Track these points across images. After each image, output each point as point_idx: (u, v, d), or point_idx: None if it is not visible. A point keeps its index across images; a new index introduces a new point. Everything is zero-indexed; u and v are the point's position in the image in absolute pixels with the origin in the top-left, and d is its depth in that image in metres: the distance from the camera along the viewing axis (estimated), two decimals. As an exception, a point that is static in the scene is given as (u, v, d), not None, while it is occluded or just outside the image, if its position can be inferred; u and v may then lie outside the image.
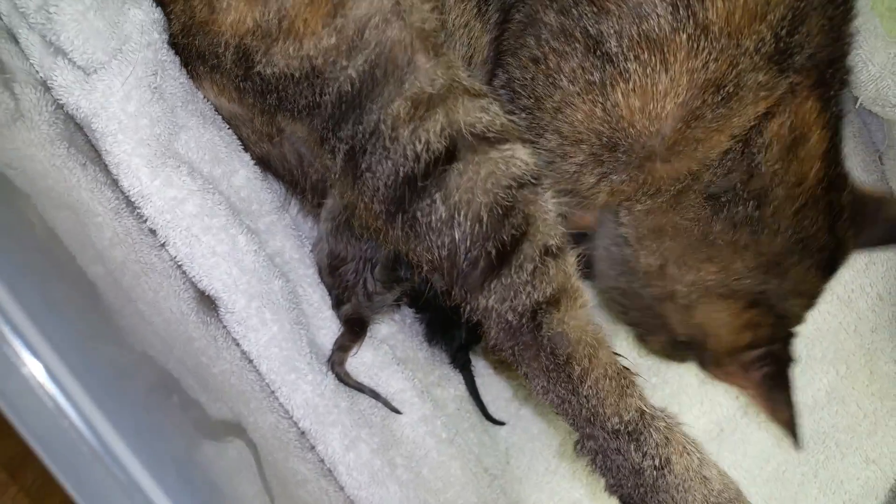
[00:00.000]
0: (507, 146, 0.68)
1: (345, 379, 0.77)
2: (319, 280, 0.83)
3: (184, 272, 0.73)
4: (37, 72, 0.71)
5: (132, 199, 0.71)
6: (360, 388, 0.78)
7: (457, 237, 0.65)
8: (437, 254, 0.66)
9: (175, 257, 0.72)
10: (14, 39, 0.72)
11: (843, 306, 1.01)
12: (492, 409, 0.94)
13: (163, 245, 0.72)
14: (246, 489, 0.72)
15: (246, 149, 0.82)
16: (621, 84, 0.66)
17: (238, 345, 0.74)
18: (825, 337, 1.02)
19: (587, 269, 0.84)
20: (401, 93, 0.66)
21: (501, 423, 0.96)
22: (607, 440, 0.66)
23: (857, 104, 0.94)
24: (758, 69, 0.64)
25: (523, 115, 0.73)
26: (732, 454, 1.02)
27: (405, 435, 0.80)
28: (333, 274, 0.80)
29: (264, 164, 0.84)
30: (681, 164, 0.69)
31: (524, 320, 0.66)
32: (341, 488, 0.75)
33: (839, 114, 0.71)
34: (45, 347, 0.53)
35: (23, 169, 0.67)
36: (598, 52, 0.66)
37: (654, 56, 0.64)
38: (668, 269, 0.75)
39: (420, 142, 0.66)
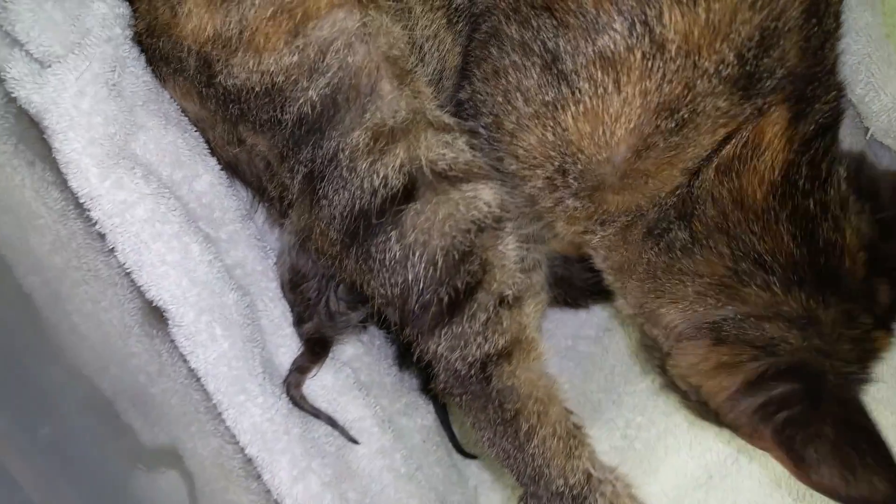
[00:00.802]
0: (469, 186, 0.66)
1: (300, 403, 0.73)
2: (282, 295, 0.78)
3: (132, 281, 0.69)
4: (-9, 65, 0.67)
5: (81, 201, 0.67)
6: (315, 413, 0.74)
7: (410, 278, 0.64)
8: (389, 291, 0.65)
9: (123, 264, 0.68)
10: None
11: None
12: (462, 442, 0.89)
13: (111, 251, 0.68)
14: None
15: (213, 153, 0.78)
16: (572, 107, 0.62)
17: (185, 361, 0.70)
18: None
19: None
20: (361, 122, 0.64)
21: (473, 457, 0.90)
22: (550, 501, 0.65)
23: (868, 135, 0.88)
24: (717, 94, 0.59)
25: (485, 132, 0.69)
26: (721, 504, 0.95)
27: (361, 467, 0.75)
28: (295, 290, 0.76)
29: (232, 169, 0.80)
30: (630, 198, 0.64)
31: (473, 371, 0.64)
32: (290, 522, 0.70)
33: (822, 127, 0.63)
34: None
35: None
36: (554, 70, 0.62)
37: (608, 76, 0.60)
38: (640, 317, 0.70)
39: (378, 176, 0.64)
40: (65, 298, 0.66)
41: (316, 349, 0.75)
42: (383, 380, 0.85)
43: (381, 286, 0.66)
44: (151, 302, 0.69)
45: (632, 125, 0.60)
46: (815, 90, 0.62)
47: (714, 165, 0.62)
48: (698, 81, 0.58)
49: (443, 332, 0.65)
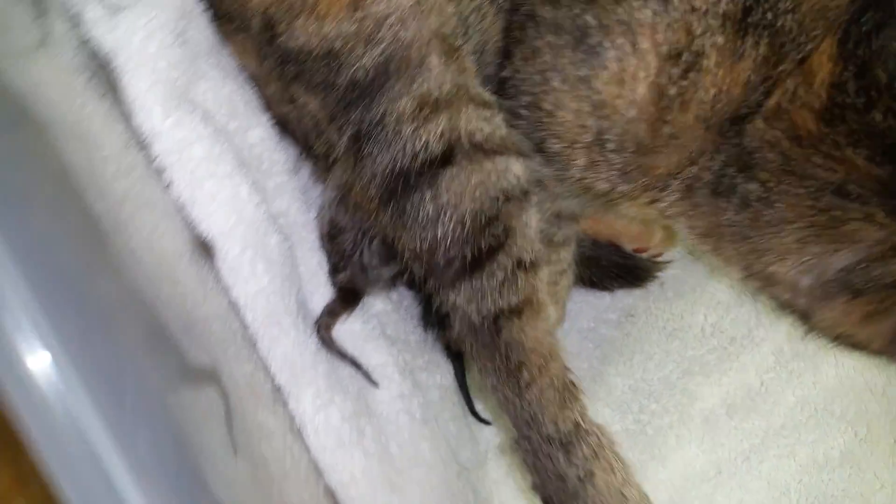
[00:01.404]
0: (502, 159, 0.71)
1: (328, 343, 0.77)
2: (320, 246, 0.83)
3: (184, 215, 0.74)
4: (70, 8, 0.74)
5: (143, 137, 0.73)
6: (341, 354, 0.78)
7: (438, 235, 0.69)
8: (418, 246, 0.70)
9: (178, 199, 0.74)
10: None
11: (872, 366, 0.96)
12: (479, 408, 0.92)
13: (167, 186, 0.74)
14: (212, 440, 0.71)
15: (266, 109, 0.84)
16: (601, 74, 0.66)
17: (227, 293, 0.75)
18: (847, 394, 0.96)
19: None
20: (409, 91, 0.69)
21: (487, 423, 0.93)
22: (540, 444, 0.70)
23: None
24: (714, 31, 0.63)
25: (526, 113, 0.73)
26: (727, 500, 0.96)
27: (379, 409, 0.79)
28: (332, 241, 0.80)
29: (282, 125, 0.85)
30: (668, 157, 0.68)
31: (486, 323, 0.69)
32: (307, 449, 0.74)
33: (868, 32, 0.61)
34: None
35: (39, 96, 0.70)
36: (584, 46, 0.67)
37: (627, 38, 0.65)
38: (754, 282, 0.73)
39: (420, 141, 0.69)
40: (124, 223, 0.72)
41: (348, 297, 0.79)
42: (408, 337, 0.89)
43: (411, 240, 0.71)
44: (200, 236, 0.75)
45: (649, 78, 0.64)
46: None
47: (763, 116, 0.65)
48: (695, 22, 0.63)
49: (463, 286, 0.70)
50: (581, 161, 0.73)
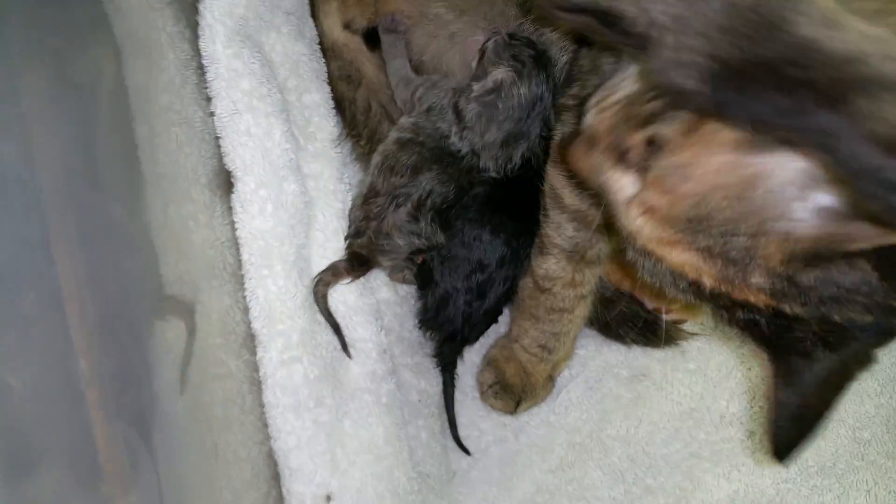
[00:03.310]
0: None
1: (319, 299, 0.75)
2: (343, 216, 0.82)
3: (217, 144, 0.76)
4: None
5: (202, 62, 0.76)
6: (326, 314, 0.76)
7: None
8: None
9: (216, 126, 0.76)
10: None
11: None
12: (462, 436, 0.86)
13: (211, 114, 0.76)
14: (163, 373, 0.70)
15: (329, 81, 0.87)
16: None
17: (233, 228, 0.75)
18: None
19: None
20: None
21: (467, 453, 0.87)
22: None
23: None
24: None
25: None
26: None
27: (347, 382, 0.75)
28: (364, 205, 0.80)
29: (335, 101, 0.87)
30: None
31: None
32: (260, 405, 0.71)
33: None
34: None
35: (122, 5, 0.75)
36: None
37: None
38: None
39: None
40: (156, 134, 0.75)
41: (355, 263, 0.78)
42: (404, 334, 0.86)
43: None
44: (225, 167, 0.76)
45: None
46: None
47: None
48: None
49: None
50: None
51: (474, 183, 0.80)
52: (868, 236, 0.43)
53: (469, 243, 0.80)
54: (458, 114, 0.78)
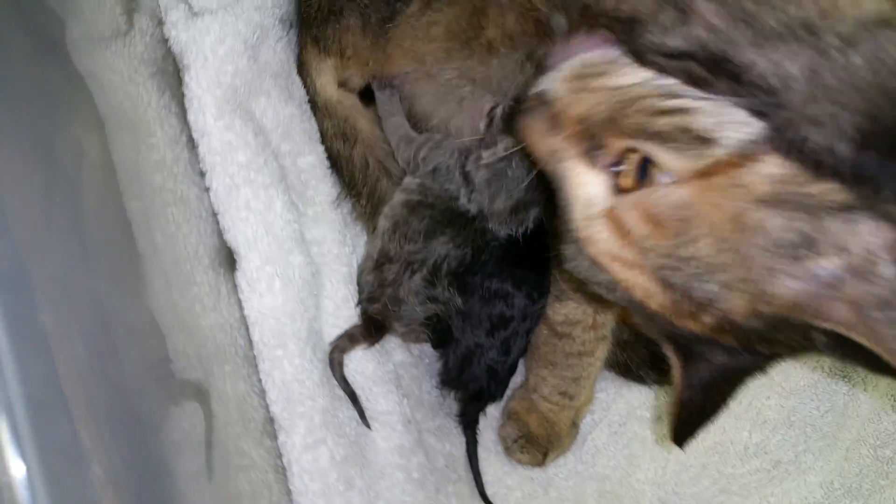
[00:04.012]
0: None
1: (335, 366, 0.73)
2: (350, 280, 0.79)
3: (216, 220, 0.73)
4: (160, 11, 0.76)
5: (193, 135, 0.72)
6: (342, 382, 0.73)
7: None
8: None
9: (213, 203, 0.72)
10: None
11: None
12: (489, 492, 0.83)
13: (206, 189, 0.73)
14: (188, 460, 0.66)
15: (322, 140, 0.84)
16: None
17: (239, 306, 0.72)
18: None
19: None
20: None
21: (494, 507, 0.84)
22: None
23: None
24: None
25: None
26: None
27: (375, 459, 0.72)
28: (376, 271, 0.77)
29: (331, 160, 0.84)
30: None
31: None
32: (287, 492, 0.68)
33: None
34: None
35: (103, 81, 0.71)
36: None
37: None
38: None
39: None
40: (152, 216, 0.71)
41: (371, 329, 0.75)
42: (423, 396, 0.83)
43: None
44: (227, 244, 0.72)
45: None
46: None
47: None
48: None
49: None
50: None
51: (490, 242, 0.78)
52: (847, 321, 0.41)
53: (489, 298, 0.78)
54: (466, 177, 0.76)
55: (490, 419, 0.87)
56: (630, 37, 0.46)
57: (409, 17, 0.66)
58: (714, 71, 0.42)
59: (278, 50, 0.80)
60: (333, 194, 0.83)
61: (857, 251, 0.41)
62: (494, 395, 0.81)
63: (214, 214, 0.73)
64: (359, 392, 0.74)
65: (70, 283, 0.62)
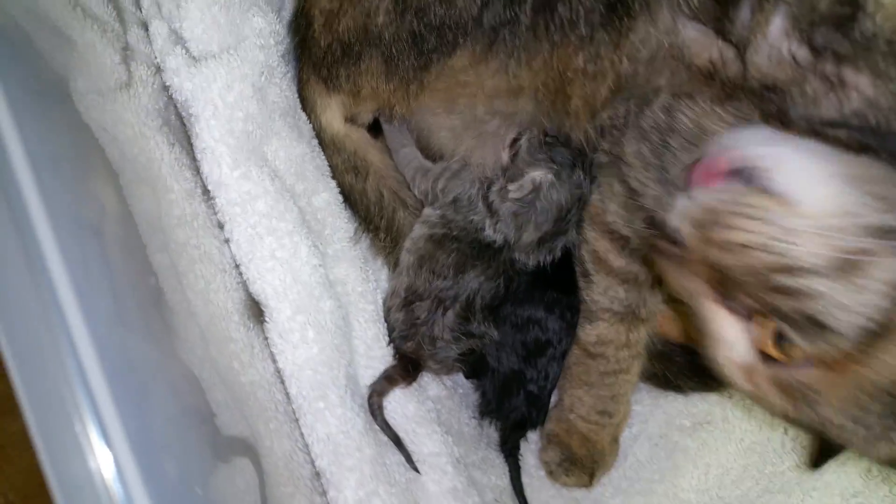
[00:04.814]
0: None
1: (376, 412, 0.70)
2: (378, 318, 0.77)
3: (239, 272, 0.70)
4: (155, 56, 0.73)
5: (208, 187, 0.70)
6: (386, 428, 0.70)
7: None
8: None
9: (235, 255, 0.69)
10: (146, 28, 0.75)
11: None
12: (535, 515, 0.82)
13: (227, 241, 0.70)
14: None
15: (333, 176, 0.81)
16: None
17: (274, 361, 0.69)
18: None
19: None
20: None
21: (543, 534, 0.83)
22: None
23: None
24: None
25: None
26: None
27: (429, 504, 0.70)
28: (407, 307, 0.75)
29: (344, 196, 0.82)
30: None
31: None
32: (345, 547, 0.66)
33: None
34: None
35: (115, 134, 0.68)
36: None
37: None
38: None
39: None
40: (181, 273, 0.68)
41: (407, 367, 0.73)
42: (462, 429, 0.81)
43: None
44: (252, 296, 0.70)
45: None
46: None
47: None
48: None
49: None
50: None
51: (519, 271, 0.76)
52: None
53: (522, 325, 0.76)
54: (490, 207, 0.74)
55: (528, 443, 0.86)
56: (776, 108, 0.45)
57: (456, 72, 0.64)
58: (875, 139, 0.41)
59: (284, 87, 0.78)
60: (351, 230, 0.81)
61: None
62: (536, 422, 0.80)
63: (237, 266, 0.71)
64: (402, 435, 0.72)
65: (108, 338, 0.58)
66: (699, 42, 0.51)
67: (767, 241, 0.46)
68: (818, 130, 0.44)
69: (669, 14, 0.50)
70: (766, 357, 0.49)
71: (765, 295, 0.46)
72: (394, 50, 0.67)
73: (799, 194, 0.46)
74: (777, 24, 0.44)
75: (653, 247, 0.54)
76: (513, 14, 0.59)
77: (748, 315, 0.49)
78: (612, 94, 0.61)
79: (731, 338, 0.50)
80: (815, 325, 0.44)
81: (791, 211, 0.46)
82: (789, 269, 0.45)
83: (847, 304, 0.44)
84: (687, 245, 0.49)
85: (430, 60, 0.64)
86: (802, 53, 0.43)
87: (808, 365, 0.47)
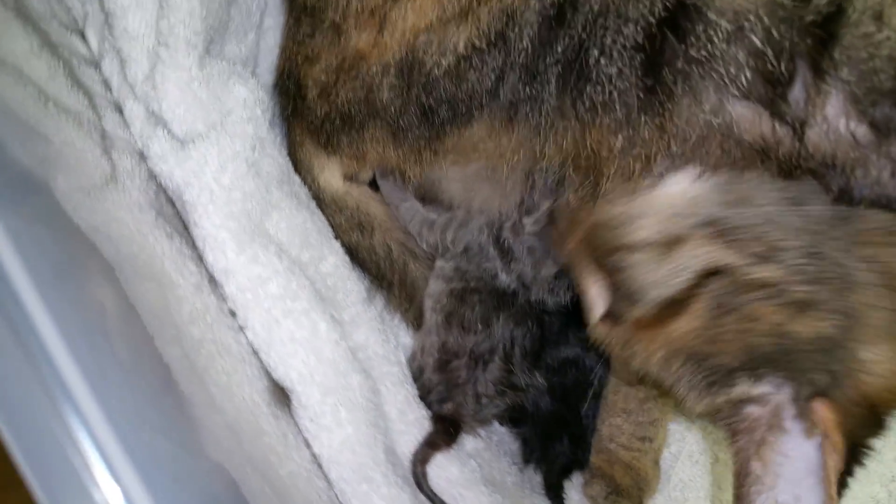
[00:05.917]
0: None
1: (423, 482, 0.68)
2: (405, 378, 0.74)
3: (259, 359, 0.67)
4: (136, 141, 0.69)
5: (215, 276, 0.66)
6: (432, 497, 0.68)
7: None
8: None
9: (252, 342, 0.66)
10: (119, 110, 0.71)
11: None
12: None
13: (241, 328, 0.67)
14: None
15: (337, 236, 0.78)
16: None
17: (308, 446, 0.66)
18: None
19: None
20: None
21: (598, 571, 0.81)
22: None
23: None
24: None
25: None
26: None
27: (489, 571, 0.68)
28: (444, 369, 0.72)
29: (351, 254, 0.79)
30: None
31: None
32: None
33: None
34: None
35: (109, 233, 0.64)
36: None
37: None
38: None
39: None
40: (201, 370, 0.64)
41: (447, 429, 0.71)
42: (504, 479, 0.79)
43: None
44: (277, 382, 0.67)
45: None
46: None
47: None
48: None
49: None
50: None
51: (549, 310, 0.74)
52: None
53: (559, 368, 0.74)
54: (502, 248, 0.72)
55: (569, 480, 0.84)
56: (838, 187, 0.46)
57: (474, 141, 0.60)
58: None
59: (276, 155, 0.74)
60: (363, 291, 0.78)
61: None
62: (583, 464, 0.78)
63: (255, 353, 0.67)
64: (450, 501, 0.70)
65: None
66: (748, 119, 0.48)
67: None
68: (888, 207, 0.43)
69: (716, 95, 0.48)
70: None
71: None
72: (402, 122, 0.63)
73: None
74: (834, 103, 0.43)
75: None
76: (534, 91, 0.55)
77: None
78: None
79: (593, 301, 0.58)
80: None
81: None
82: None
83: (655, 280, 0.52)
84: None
85: (443, 132, 0.61)
86: (862, 132, 0.42)
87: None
